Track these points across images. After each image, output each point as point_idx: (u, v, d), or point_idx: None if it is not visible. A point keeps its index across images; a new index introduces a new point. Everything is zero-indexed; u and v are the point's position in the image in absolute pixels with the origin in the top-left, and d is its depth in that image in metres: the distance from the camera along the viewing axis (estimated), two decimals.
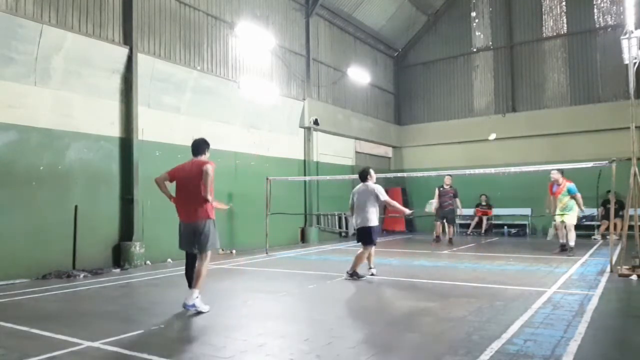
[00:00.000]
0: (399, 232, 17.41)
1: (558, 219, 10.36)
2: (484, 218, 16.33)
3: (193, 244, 5.37)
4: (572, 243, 10.03)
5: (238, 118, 12.09)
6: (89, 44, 8.76)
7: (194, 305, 5.17)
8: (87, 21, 8.85)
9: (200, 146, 5.68)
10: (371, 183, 7.54)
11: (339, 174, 14.73)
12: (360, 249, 7.41)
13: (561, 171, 10.10)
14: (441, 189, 12.84)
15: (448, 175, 12.81)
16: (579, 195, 9.96)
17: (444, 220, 12.90)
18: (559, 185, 10.17)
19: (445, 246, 12.23)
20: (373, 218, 7.33)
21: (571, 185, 10.04)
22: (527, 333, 4.24)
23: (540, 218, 14.94)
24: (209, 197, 5.28)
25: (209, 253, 5.37)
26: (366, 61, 17.60)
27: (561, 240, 10.42)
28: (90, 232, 8.66)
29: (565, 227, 10.20)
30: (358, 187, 7.62)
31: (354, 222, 7.58)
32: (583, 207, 10.15)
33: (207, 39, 11.33)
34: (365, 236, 7.38)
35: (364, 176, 7.61)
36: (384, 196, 7.35)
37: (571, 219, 10.02)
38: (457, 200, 12.71)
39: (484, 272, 7.98)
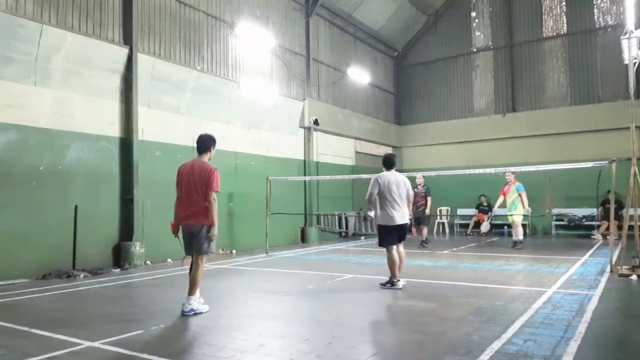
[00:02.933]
0: None
1: (510, 218, 11.63)
2: (485, 218, 16.31)
3: (192, 247, 5.36)
4: (520, 237, 11.41)
5: (238, 118, 12.09)
6: (89, 44, 8.76)
7: (192, 310, 5.17)
8: (87, 21, 8.85)
9: (205, 143, 5.51)
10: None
11: (339, 174, 14.73)
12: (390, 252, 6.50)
13: (513, 173, 11.40)
14: (415, 189, 12.27)
15: (421, 175, 12.43)
16: (524, 194, 11.27)
17: (418, 222, 12.44)
18: (509, 185, 11.54)
19: (421, 247, 11.97)
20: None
21: (520, 184, 11.41)
22: (527, 333, 4.24)
23: (540, 218, 14.95)
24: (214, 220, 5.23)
25: (204, 258, 5.32)
26: (366, 61, 17.60)
27: (514, 238, 11.58)
28: (90, 232, 8.66)
29: (513, 224, 11.54)
30: (387, 175, 6.61)
31: (392, 217, 6.45)
32: (527, 207, 11.36)
33: (207, 39, 11.33)
34: (405, 234, 6.62)
35: (393, 163, 6.71)
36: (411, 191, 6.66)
37: (518, 217, 11.36)
38: (429, 199, 12.10)
39: (484, 272, 7.98)
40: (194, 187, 5.29)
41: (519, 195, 11.34)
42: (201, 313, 5.20)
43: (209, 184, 5.23)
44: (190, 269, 5.45)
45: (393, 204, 6.45)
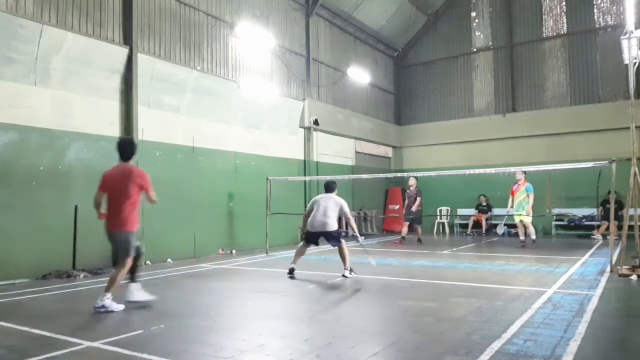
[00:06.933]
0: (399, 232, 17.38)
1: (518, 218, 11.67)
2: (483, 218, 16.33)
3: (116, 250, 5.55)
4: (533, 237, 11.44)
5: (238, 118, 12.09)
6: (89, 44, 8.75)
7: (103, 307, 5.26)
8: (87, 21, 8.84)
9: (128, 148, 5.73)
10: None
11: (339, 174, 14.71)
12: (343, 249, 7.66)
13: (524, 173, 11.45)
14: (407, 191, 13.33)
15: (413, 177, 13.05)
16: (532, 196, 11.37)
17: (412, 221, 13.31)
18: (518, 184, 11.61)
19: (417, 246, 12.60)
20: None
21: (529, 185, 11.45)
22: (527, 333, 4.25)
23: (540, 218, 14.94)
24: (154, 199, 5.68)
25: (127, 261, 5.49)
26: (366, 61, 17.60)
27: (521, 237, 11.69)
28: (90, 232, 8.60)
29: (524, 225, 11.59)
30: (322, 196, 8.03)
31: (313, 224, 7.76)
32: (531, 208, 11.45)
33: (207, 39, 11.33)
34: (330, 239, 7.71)
35: (331, 189, 8.05)
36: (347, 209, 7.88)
37: (527, 217, 11.41)
38: (418, 199, 12.85)
39: (484, 272, 7.98)
40: (119, 192, 5.50)
41: (528, 196, 11.38)
42: (112, 312, 5.27)
43: (143, 186, 5.60)
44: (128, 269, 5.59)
45: (318, 216, 7.68)
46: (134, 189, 5.51)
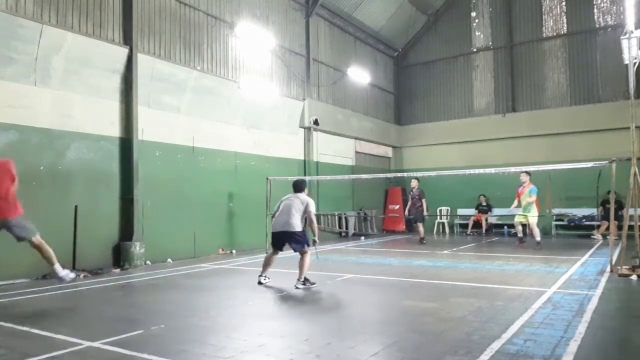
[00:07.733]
0: (399, 232, 17.41)
1: (518, 218, 11.82)
2: (483, 219, 16.33)
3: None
4: (538, 238, 11.37)
5: (238, 118, 12.09)
6: (89, 44, 8.75)
7: (64, 275, 5.85)
8: (87, 21, 8.84)
9: None
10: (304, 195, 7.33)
11: (339, 174, 14.73)
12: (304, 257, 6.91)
13: (528, 174, 11.41)
14: (410, 193, 13.75)
15: (414, 179, 13.41)
16: (534, 197, 11.42)
17: (416, 222, 13.74)
18: (523, 186, 11.69)
19: (418, 245, 12.82)
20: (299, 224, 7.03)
21: (534, 187, 11.49)
22: (527, 333, 4.25)
23: (540, 218, 14.93)
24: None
25: (38, 237, 5.82)
26: (366, 61, 17.60)
27: (519, 235, 11.92)
28: (90, 232, 8.66)
29: (528, 226, 11.61)
30: (290, 195, 7.30)
31: (274, 225, 7.20)
32: (537, 211, 11.60)
33: (207, 39, 11.33)
34: (291, 242, 7.01)
35: (301, 188, 7.31)
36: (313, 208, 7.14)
37: (533, 218, 11.48)
38: (424, 201, 13.13)
39: (484, 272, 7.98)
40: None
41: (532, 197, 11.41)
42: (64, 280, 5.85)
43: (12, 175, 5.89)
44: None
45: (281, 215, 7.09)
46: (8, 179, 5.82)
